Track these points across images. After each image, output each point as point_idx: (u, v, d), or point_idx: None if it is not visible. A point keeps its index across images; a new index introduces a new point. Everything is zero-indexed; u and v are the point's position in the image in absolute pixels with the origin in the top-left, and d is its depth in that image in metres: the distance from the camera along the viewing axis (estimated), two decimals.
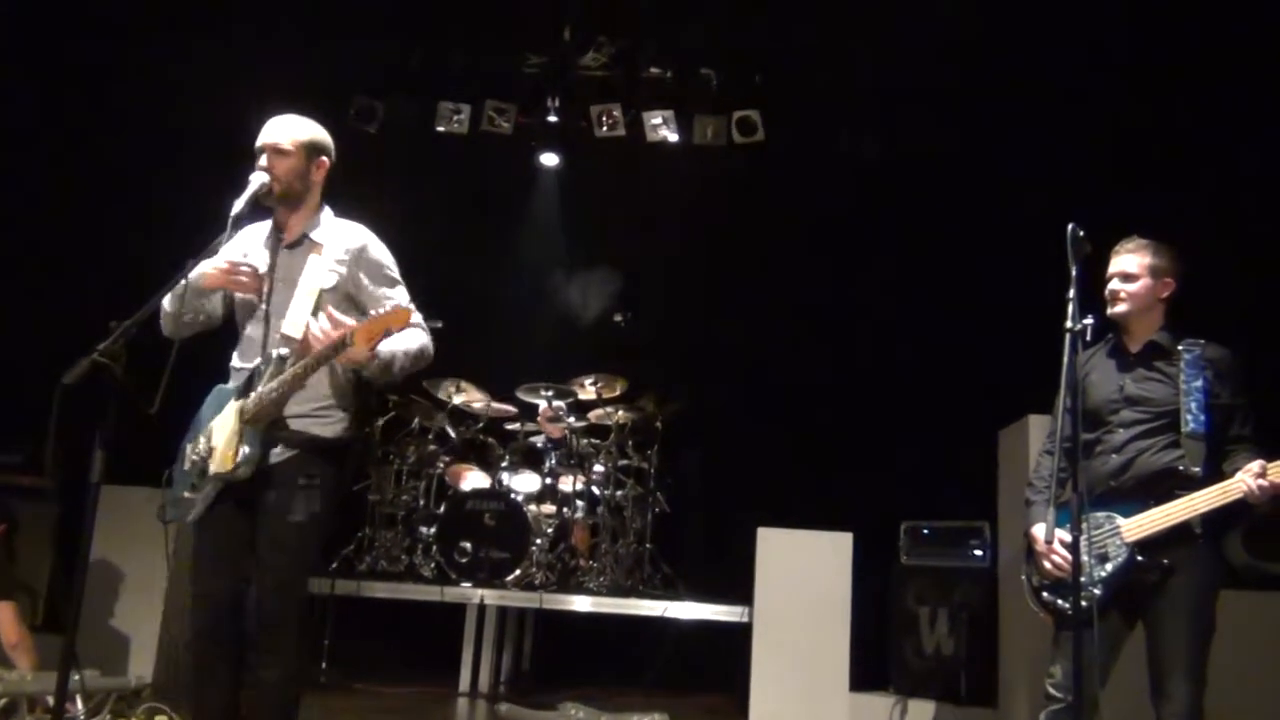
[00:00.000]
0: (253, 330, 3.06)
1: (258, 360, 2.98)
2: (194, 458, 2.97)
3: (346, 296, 3.05)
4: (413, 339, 3.02)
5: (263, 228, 3.10)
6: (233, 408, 2.93)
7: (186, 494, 2.93)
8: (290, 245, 3.08)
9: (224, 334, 3.17)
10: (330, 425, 3.02)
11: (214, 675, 2.91)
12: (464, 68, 7.48)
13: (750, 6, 6.68)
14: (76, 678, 2.59)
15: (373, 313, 2.83)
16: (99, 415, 2.49)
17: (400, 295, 3.05)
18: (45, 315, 5.93)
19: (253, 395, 2.91)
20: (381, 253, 3.13)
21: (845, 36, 6.62)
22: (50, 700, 3.68)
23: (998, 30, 6.04)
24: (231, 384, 3.04)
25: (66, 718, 3.28)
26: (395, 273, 3.14)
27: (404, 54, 7.38)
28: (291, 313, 2.98)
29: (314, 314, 2.97)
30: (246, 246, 3.08)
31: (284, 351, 2.94)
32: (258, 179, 2.94)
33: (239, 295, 3.08)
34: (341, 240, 3.09)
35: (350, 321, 2.83)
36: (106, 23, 6.24)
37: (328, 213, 3.14)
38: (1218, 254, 4.60)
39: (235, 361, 3.09)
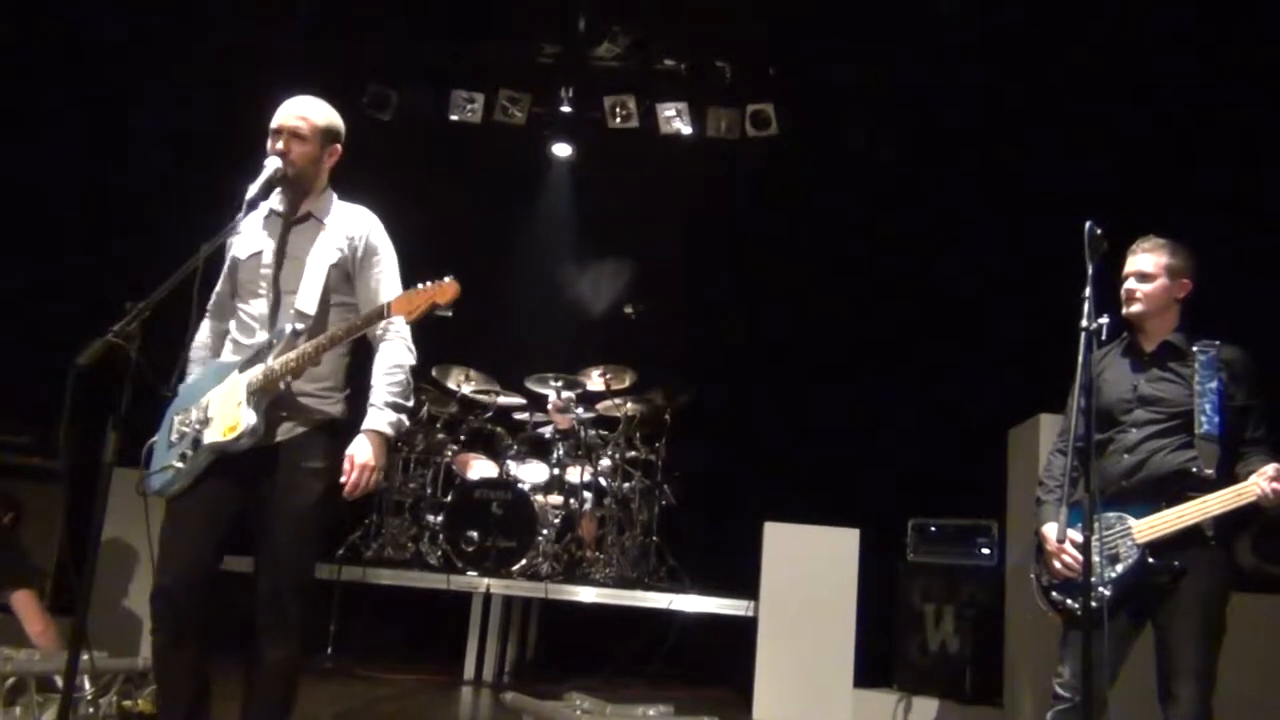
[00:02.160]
0: (256, 305, 3.03)
1: (264, 334, 2.97)
2: (183, 428, 2.92)
3: (346, 274, 3.08)
4: (399, 357, 3.06)
5: (264, 207, 3.07)
6: (236, 379, 2.90)
7: (176, 463, 2.87)
8: (295, 222, 3.08)
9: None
10: (333, 404, 3.04)
11: (182, 655, 2.83)
12: (478, 57, 7.47)
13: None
14: (85, 658, 2.58)
15: (420, 285, 2.87)
16: (113, 396, 2.48)
17: (393, 281, 3.11)
18: (53, 297, 5.95)
19: (263, 366, 2.88)
20: (383, 238, 3.17)
21: (861, 32, 6.59)
22: (58, 680, 3.70)
23: (1014, 28, 6.01)
24: (232, 358, 3.00)
25: (74, 697, 3.28)
26: (393, 259, 3.17)
27: (419, 42, 7.38)
28: (304, 289, 2.99)
29: (324, 296, 2.99)
30: (252, 230, 3.07)
31: (299, 326, 2.94)
32: (272, 164, 2.93)
33: (240, 275, 3.07)
34: (347, 220, 3.11)
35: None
36: (124, 4, 6.24)
37: (332, 195, 3.16)
38: (1235, 253, 4.57)
39: (235, 336, 3.06)
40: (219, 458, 2.87)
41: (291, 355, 2.87)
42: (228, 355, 3.05)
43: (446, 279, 2.88)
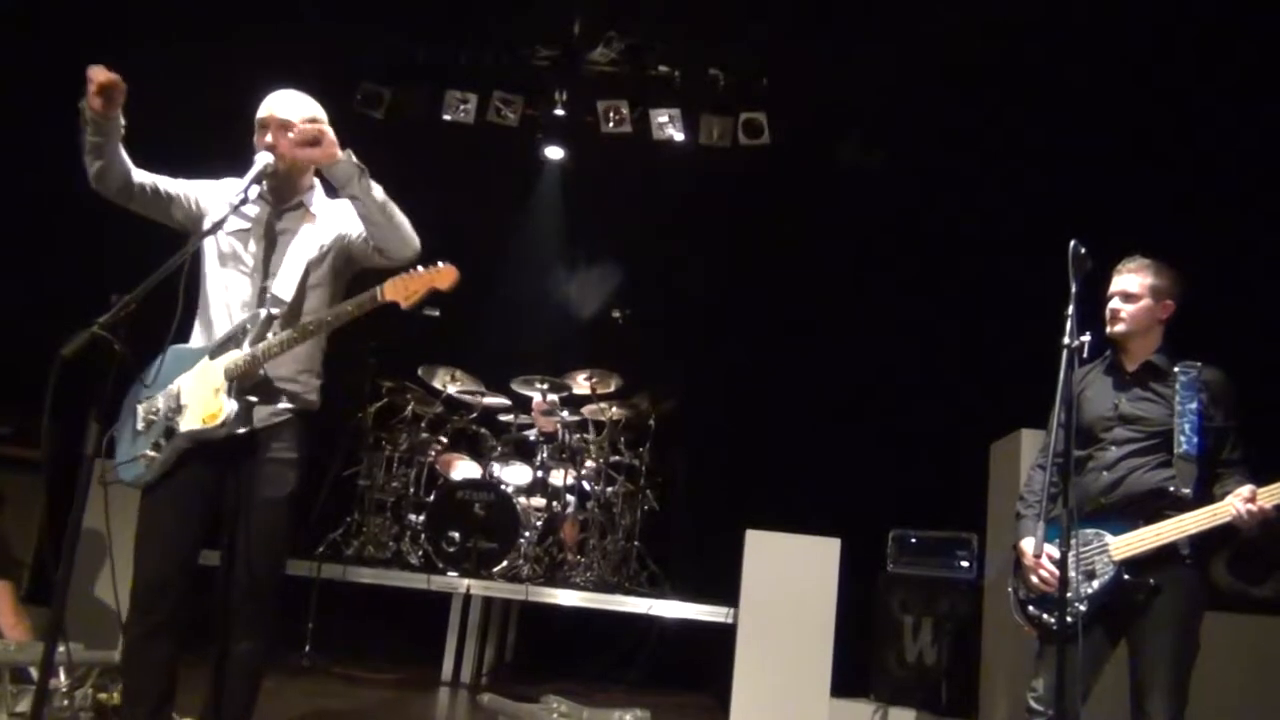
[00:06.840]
0: (232, 281, 2.99)
1: (239, 318, 2.94)
2: (151, 416, 2.88)
3: (333, 268, 3.09)
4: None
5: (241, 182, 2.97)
6: (209, 365, 2.88)
7: (150, 452, 2.83)
8: (284, 210, 3.08)
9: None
10: (310, 392, 3.04)
11: (156, 651, 2.81)
12: (473, 58, 7.48)
13: (760, 9, 6.68)
14: (61, 650, 2.56)
15: (415, 269, 2.87)
16: (96, 388, 2.47)
17: None
18: (35, 288, 5.91)
19: (241, 353, 2.85)
20: None
21: (854, 44, 6.62)
22: (33, 672, 3.67)
23: (1004, 44, 6.05)
24: (198, 344, 2.97)
25: (49, 689, 3.26)
26: None
27: (413, 42, 7.38)
28: (282, 275, 2.98)
29: (302, 282, 2.99)
30: (231, 196, 2.95)
31: (275, 312, 2.92)
32: (263, 159, 2.92)
33: (223, 248, 3.01)
34: (333, 215, 3.11)
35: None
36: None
37: (319, 186, 3.16)
38: (1217, 275, 4.61)
39: (208, 314, 3.00)
40: (194, 445, 2.84)
41: (274, 341, 2.85)
42: (196, 340, 3.00)
43: (442, 264, 2.87)
